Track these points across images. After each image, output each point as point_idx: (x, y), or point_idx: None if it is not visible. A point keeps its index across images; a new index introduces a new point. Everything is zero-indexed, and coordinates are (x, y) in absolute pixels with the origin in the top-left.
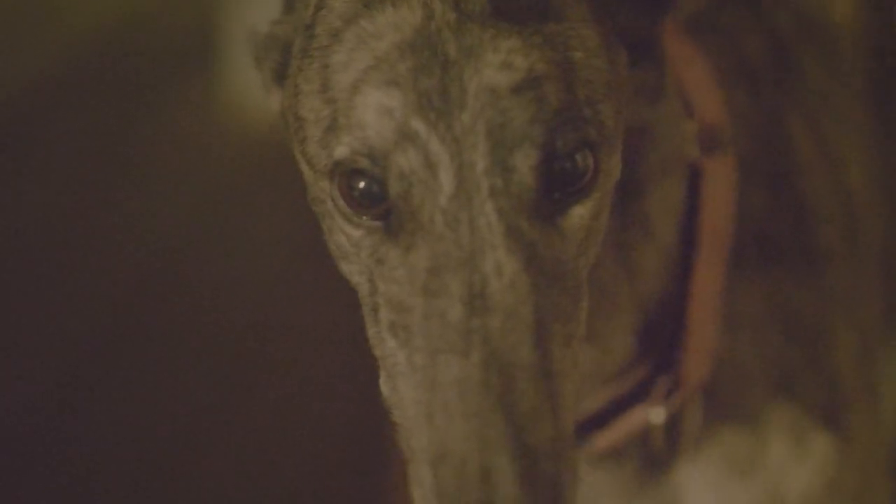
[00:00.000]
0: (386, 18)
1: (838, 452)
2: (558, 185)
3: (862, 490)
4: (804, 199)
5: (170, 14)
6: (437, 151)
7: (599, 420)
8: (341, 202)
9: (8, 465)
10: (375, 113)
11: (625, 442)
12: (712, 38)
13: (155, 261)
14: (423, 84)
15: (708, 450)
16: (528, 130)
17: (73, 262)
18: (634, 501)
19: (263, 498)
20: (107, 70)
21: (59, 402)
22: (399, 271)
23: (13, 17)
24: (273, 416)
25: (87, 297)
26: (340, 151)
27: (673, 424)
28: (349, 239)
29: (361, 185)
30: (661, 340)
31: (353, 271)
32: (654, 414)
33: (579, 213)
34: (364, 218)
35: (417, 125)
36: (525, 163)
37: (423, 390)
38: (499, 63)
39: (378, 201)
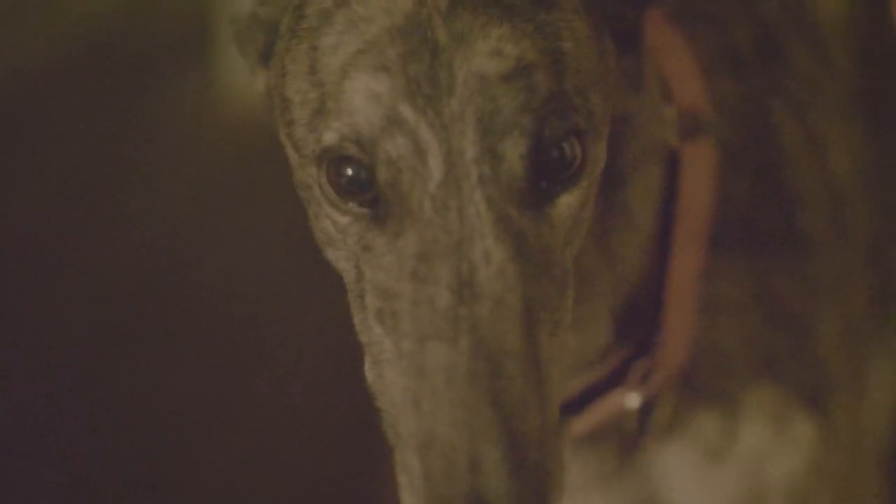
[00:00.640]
0: (378, 2)
1: (821, 436)
2: (547, 173)
3: (847, 475)
4: (789, 186)
5: (167, 3)
6: (426, 138)
7: (577, 405)
8: (329, 189)
9: (6, 459)
10: (364, 98)
11: (602, 427)
12: (698, 26)
13: (153, 252)
14: (412, 70)
15: (688, 434)
16: (517, 119)
17: (70, 254)
18: (613, 486)
19: (262, 492)
20: (104, 60)
21: (56, 397)
22: (387, 258)
23: (8, 7)
24: (272, 408)
25: (84, 290)
26: (329, 137)
27: (649, 409)
28: (336, 225)
29: (349, 171)
30: (639, 325)
31: (339, 257)
32: (630, 398)
33: (567, 202)
34: (351, 205)
35: (406, 111)
36: (514, 151)
37: (410, 377)
38: (489, 50)
39: (366, 188)
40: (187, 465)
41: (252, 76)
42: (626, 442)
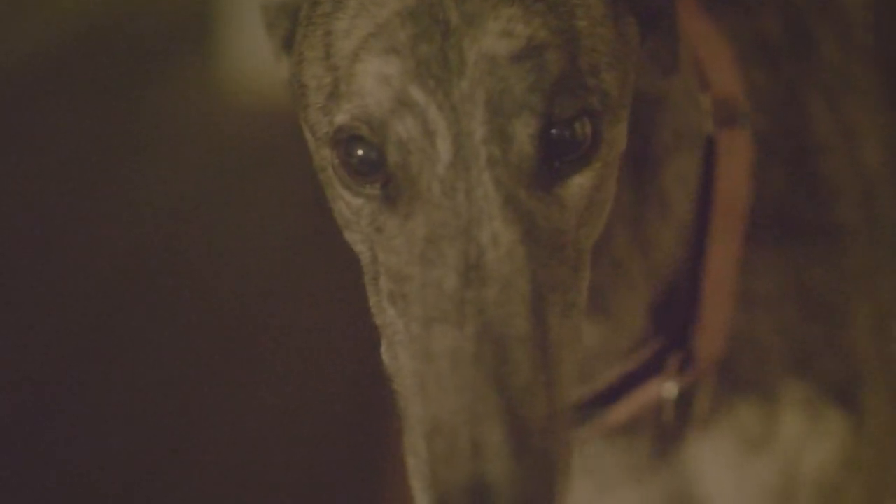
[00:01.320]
0: None
1: (854, 429)
2: (557, 153)
3: (878, 467)
4: (822, 176)
5: None
6: (435, 119)
7: (612, 395)
8: (341, 170)
9: (2, 455)
10: (374, 80)
11: (638, 417)
12: (729, 13)
13: (155, 242)
14: (422, 51)
15: (723, 426)
16: (527, 99)
17: (71, 244)
18: (648, 477)
19: (261, 486)
20: (108, 47)
21: (54, 389)
22: (397, 240)
23: None
24: (272, 402)
25: (84, 282)
26: (340, 119)
27: (686, 400)
28: (349, 207)
29: (360, 152)
30: (675, 315)
31: (355, 240)
32: (666, 388)
33: (579, 183)
34: (364, 186)
35: (416, 93)
36: (524, 131)
37: (418, 360)
38: (499, 31)
39: (377, 169)
40: (186, 459)
41: (276, 62)
42: (662, 434)
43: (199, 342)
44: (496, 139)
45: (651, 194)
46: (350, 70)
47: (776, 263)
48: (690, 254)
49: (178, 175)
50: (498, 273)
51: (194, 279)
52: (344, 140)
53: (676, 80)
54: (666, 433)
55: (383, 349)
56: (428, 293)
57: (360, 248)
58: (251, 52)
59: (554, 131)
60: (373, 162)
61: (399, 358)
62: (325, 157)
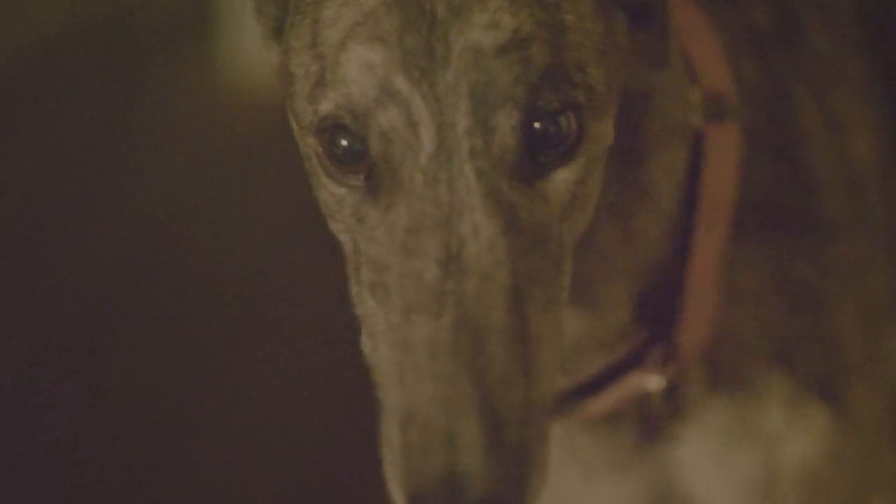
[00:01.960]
0: None
1: (837, 423)
2: (541, 147)
3: (864, 462)
4: (809, 169)
5: None
6: (419, 110)
7: (594, 386)
8: (325, 159)
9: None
10: (359, 69)
11: (620, 409)
12: (718, 6)
13: (154, 231)
14: (408, 42)
15: (705, 419)
16: (511, 91)
17: (68, 237)
18: (631, 470)
19: (260, 478)
20: (106, 39)
21: (50, 380)
22: (379, 230)
23: None
24: (274, 387)
25: (81, 273)
26: (325, 107)
27: (671, 392)
28: (333, 196)
29: (344, 142)
30: (659, 308)
31: (339, 229)
32: (652, 381)
33: (563, 177)
34: (347, 176)
35: (400, 83)
36: (507, 123)
37: (397, 350)
38: (485, 22)
39: (360, 160)
40: (187, 455)
41: (266, 50)
42: (644, 427)
43: (200, 336)
44: (479, 131)
45: (637, 187)
46: (336, 58)
47: (761, 256)
48: (676, 247)
49: (178, 170)
50: (478, 265)
51: (194, 273)
52: (328, 129)
53: (666, 75)
54: (649, 426)
55: (363, 339)
56: (407, 283)
57: (343, 237)
58: (250, 48)
59: (538, 125)
60: (356, 152)
61: (378, 348)
62: (309, 146)
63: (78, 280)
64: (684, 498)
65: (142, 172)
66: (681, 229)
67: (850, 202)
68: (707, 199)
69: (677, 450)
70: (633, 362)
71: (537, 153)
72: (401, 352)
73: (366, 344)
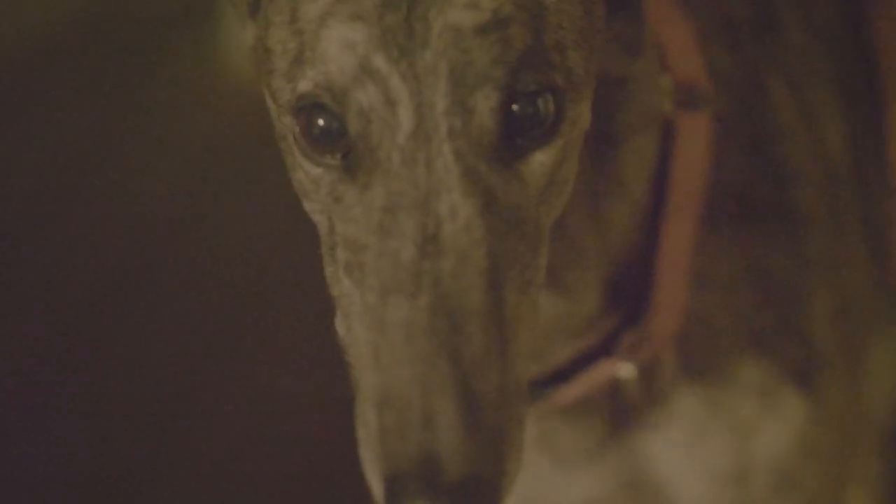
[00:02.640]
0: None
1: (810, 413)
2: (519, 129)
3: (836, 454)
4: (783, 161)
5: None
6: (398, 89)
7: (565, 374)
8: (301, 139)
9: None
10: (338, 47)
11: (592, 397)
12: None
13: (155, 220)
14: (388, 20)
15: (677, 407)
16: (489, 72)
17: (70, 225)
18: (602, 458)
19: (259, 474)
20: (108, 28)
21: (49, 370)
22: (355, 210)
23: None
24: (271, 390)
25: (83, 262)
26: (303, 86)
27: (647, 379)
28: (308, 176)
29: (321, 122)
30: (629, 295)
31: (314, 209)
32: (624, 368)
33: (540, 160)
34: (324, 156)
35: (379, 61)
36: (485, 104)
37: (373, 331)
38: (465, 2)
39: (337, 140)
40: (188, 449)
41: (242, 29)
42: (615, 415)
43: (200, 332)
44: (458, 111)
45: (609, 173)
46: (315, 35)
47: (733, 246)
48: (646, 234)
49: (178, 163)
50: (455, 245)
51: (193, 268)
52: (306, 108)
53: (639, 62)
54: (620, 414)
55: (337, 320)
56: (384, 263)
57: (318, 217)
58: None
59: (516, 107)
60: (333, 132)
61: (353, 329)
62: (286, 123)
63: (76, 275)
64: (656, 486)
65: (141, 166)
66: (651, 217)
67: (825, 195)
68: (677, 187)
69: (648, 440)
70: (603, 350)
71: (515, 135)
72: (377, 332)
73: (340, 324)
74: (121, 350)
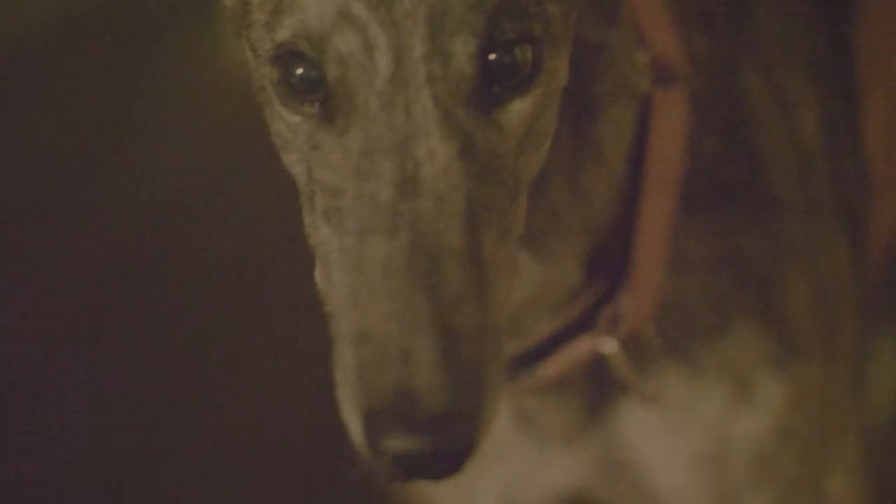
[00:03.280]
0: None
1: (788, 400)
2: (496, 78)
3: (815, 441)
4: (757, 145)
5: None
6: (376, 35)
7: (545, 350)
8: (280, 87)
9: None
10: None
11: (571, 375)
12: None
13: (157, 214)
14: None
15: (651, 391)
16: (468, 18)
17: (72, 217)
18: (580, 437)
19: (260, 472)
20: (111, 19)
21: (50, 363)
22: (333, 156)
23: None
24: (271, 389)
25: (85, 254)
26: (282, 34)
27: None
28: (287, 125)
29: (299, 70)
30: (609, 270)
31: (292, 161)
32: (606, 344)
33: (518, 109)
34: (302, 104)
35: (358, 8)
36: (464, 50)
37: (350, 272)
38: None
39: (315, 88)
40: (187, 450)
41: None
42: (593, 394)
43: (200, 321)
44: (436, 57)
45: (589, 145)
46: None
47: (709, 230)
48: (625, 208)
49: (179, 153)
50: (433, 187)
51: (193, 263)
52: (284, 57)
53: (618, 32)
54: (598, 395)
55: (316, 271)
56: (362, 205)
57: (297, 169)
58: None
59: (493, 56)
60: (311, 80)
61: (331, 275)
62: (264, 75)
63: (75, 271)
64: (635, 467)
65: (141, 160)
66: (630, 191)
67: (800, 180)
68: (655, 161)
69: (625, 421)
70: (583, 326)
71: (492, 83)
72: (355, 273)
73: (319, 274)
74: (119, 346)
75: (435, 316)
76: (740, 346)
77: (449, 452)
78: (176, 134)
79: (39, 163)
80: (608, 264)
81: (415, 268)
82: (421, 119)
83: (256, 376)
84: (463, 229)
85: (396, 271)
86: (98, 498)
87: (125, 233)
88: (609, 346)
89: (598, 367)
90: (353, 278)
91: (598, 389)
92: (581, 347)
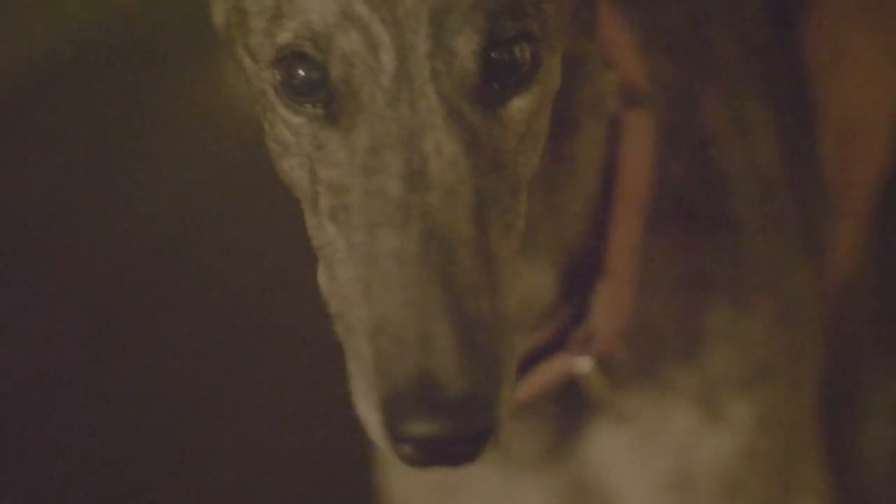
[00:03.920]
0: None
1: (755, 422)
2: (497, 75)
3: (782, 462)
4: (718, 169)
5: None
6: (380, 33)
7: (520, 369)
8: (282, 89)
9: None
10: None
11: (542, 399)
12: (635, 6)
13: (161, 232)
14: None
15: (621, 412)
16: (470, 16)
17: (74, 241)
18: (549, 462)
19: (262, 476)
20: (115, 47)
21: (54, 382)
22: (339, 154)
23: None
24: (272, 398)
25: (86, 278)
26: (283, 37)
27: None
28: (290, 127)
29: (301, 72)
30: (582, 289)
31: (293, 166)
32: (580, 363)
33: (518, 106)
34: (304, 106)
35: (360, 8)
36: (467, 47)
37: (361, 267)
38: None
39: (318, 89)
40: (193, 456)
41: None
42: (563, 421)
43: (203, 338)
44: (440, 54)
45: (564, 159)
46: None
47: (673, 251)
48: (596, 226)
49: (182, 176)
50: (442, 180)
51: (199, 279)
52: (285, 59)
53: (594, 46)
54: (566, 417)
55: (320, 273)
56: (371, 200)
57: (299, 173)
58: None
59: (494, 53)
60: (314, 82)
61: (338, 274)
62: (265, 80)
63: (83, 284)
64: (604, 490)
65: (144, 183)
66: (600, 210)
67: (762, 202)
68: (624, 180)
69: (594, 444)
70: (556, 345)
71: (493, 80)
72: (366, 267)
73: (323, 276)
74: (125, 359)
75: (451, 303)
76: (707, 367)
77: (471, 435)
78: (178, 158)
79: (47, 182)
80: (582, 283)
81: (429, 257)
82: (427, 114)
83: (261, 383)
84: (473, 221)
85: (410, 261)
86: (107, 500)
87: (128, 250)
88: (584, 364)
89: (567, 390)
90: (365, 272)
91: (567, 413)
92: (554, 367)
